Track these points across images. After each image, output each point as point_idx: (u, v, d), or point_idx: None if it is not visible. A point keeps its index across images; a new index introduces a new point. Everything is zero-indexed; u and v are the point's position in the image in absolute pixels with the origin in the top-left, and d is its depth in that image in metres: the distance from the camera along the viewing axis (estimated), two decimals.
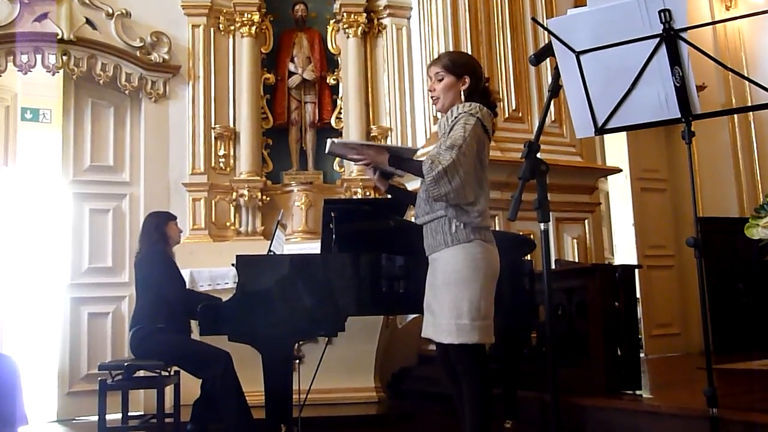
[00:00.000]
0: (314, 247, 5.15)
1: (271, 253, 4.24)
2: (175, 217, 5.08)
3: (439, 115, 3.45)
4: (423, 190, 3.22)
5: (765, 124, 8.97)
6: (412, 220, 3.44)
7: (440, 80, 3.26)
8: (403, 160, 3.30)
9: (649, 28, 2.61)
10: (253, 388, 4.26)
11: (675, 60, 2.62)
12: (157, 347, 4.50)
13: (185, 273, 5.78)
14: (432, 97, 3.33)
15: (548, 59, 3.00)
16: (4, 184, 7.24)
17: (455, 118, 3.13)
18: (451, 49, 6.58)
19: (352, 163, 3.75)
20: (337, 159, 7.18)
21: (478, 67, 3.39)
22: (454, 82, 3.24)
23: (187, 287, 5.62)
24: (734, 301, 7.73)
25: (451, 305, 3.05)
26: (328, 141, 3.40)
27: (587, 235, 6.89)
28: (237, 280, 3.96)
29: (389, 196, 3.70)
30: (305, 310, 3.91)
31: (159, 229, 4.87)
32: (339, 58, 7.41)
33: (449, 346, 3.10)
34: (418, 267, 3.86)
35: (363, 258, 3.98)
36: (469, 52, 6.63)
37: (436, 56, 3.81)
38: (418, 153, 3.32)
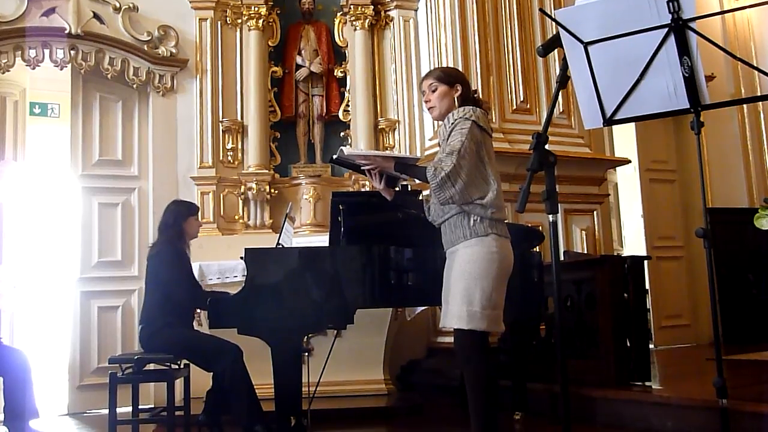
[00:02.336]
0: (323, 240, 5.15)
1: (280, 246, 4.25)
2: (196, 211, 5.00)
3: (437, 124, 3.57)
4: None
5: None
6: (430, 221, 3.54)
7: (434, 90, 3.46)
8: (408, 166, 3.49)
9: (658, 18, 2.60)
10: (263, 380, 4.27)
11: (684, 50, 2.61)
12: (167, 343, 4.50)
13: (194, 266, 5.80)
14: (428, 108, 3.51)
15: (556, 50, 2.99)
16: (14, 179, 7.27)
17: (452, 123, 3.31)
18: (458, 42, 6.59)
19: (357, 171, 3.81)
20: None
21: (467, 78, 3.63)
22: (447, 90, 3.45)
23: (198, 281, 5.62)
24: (744, 292, 7.72)
25: (463, 293, 3.17)
26: (339, 149, 3.55)
27: (596, 227, 6.88)
28: (246, 273, 3.97)
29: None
30: (314, 302, 3.92)
31: (177, 224, 4.78)
32: (346, 51, 7.40)
33: (454, 334, 3.22)
34: (426, 259, 3.87)
35: (371, 250, 3.98)
36: (477, 44, 6.64)
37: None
38: (425, 155, 3.43)
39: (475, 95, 3.54)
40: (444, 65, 6.31)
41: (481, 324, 3.14)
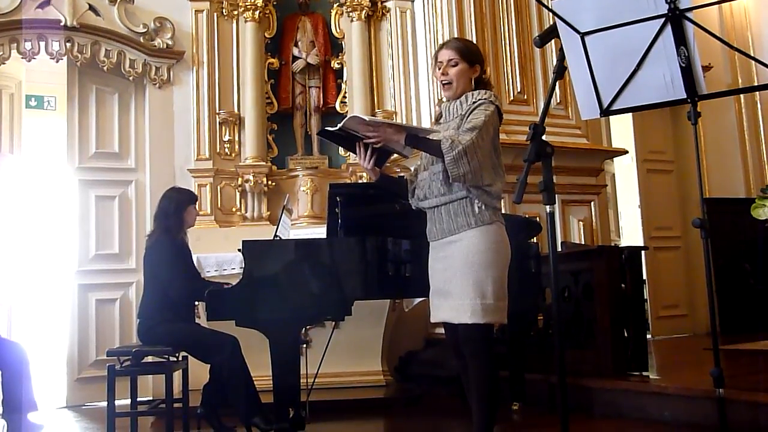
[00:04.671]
0: (320, 232, 5.15)
1: (277, 238, 4.25)
2: (196, 200, 4.94)
3: (444, 100, 3.40)
4: (438, 171, 3.16)
5: None
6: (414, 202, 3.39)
7: (454, 65, 3.22)
8: (420, 139, 3.18)
9: (655, 8, 2.59)
10: (262, 372, 4.28)
11: (680, 40, 2.60)
12: (165, 336, 4.49)
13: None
14: (443, 82, 3.26)
15: (553, 41, 2.98)
16: (10, 172, 7.25)
17: (473, 103, 3.14)
18: (455, 32, 6.56)
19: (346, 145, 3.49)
20: None
21: (483, 56, 3.42)
22: (467, 69, 3.23)
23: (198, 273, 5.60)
24: (741, 282, 7.74)
25: (474, 285, 3.03)
26: (350, 117, 3.24)
27: (593, 218, 6.89)
28: (243, 266, 3.97)
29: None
30: (312, 294, 3.92)
31: (177, 214, 4.70)
32: (343, 42, 7.38)
33: (462, 327, 3.08)
34: (424, 250, 3.86)
35: (369, 242, 3.98)
36: (474, 35, 6.62)
37: (444, 40, 3.78)
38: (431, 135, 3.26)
39: (485, 77, 3.34)
40: None
41: (494, 316, 3.04)
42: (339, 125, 3.24)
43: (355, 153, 3.34)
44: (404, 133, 3.17)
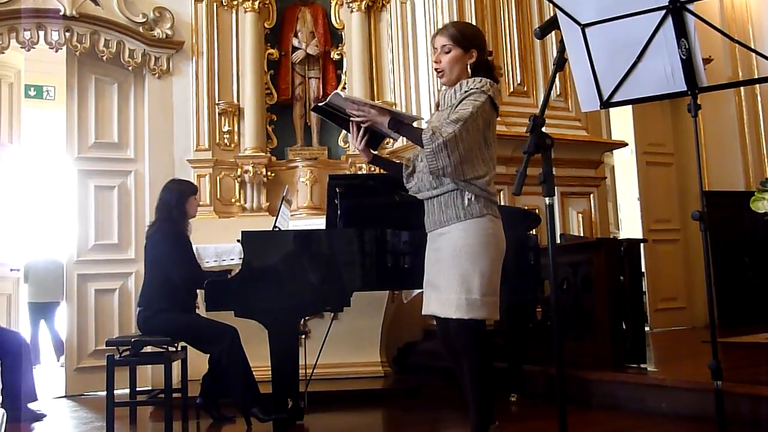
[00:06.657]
0: (319, 223, 5.15)
1: (277, 229, 4.25)
2: (196, 190, 4.95)
3: (442, 87, 3.35)
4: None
5: None
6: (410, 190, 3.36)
7: (447, 52, 3.15)
8: (403, 125, 3.17)
9: (656, 0, 2.59)
10: (261, 363, 4.29)
11: (681, 32, 2.59)
12: (164, 325, 4.50)
13: None
14: (437, 70, 3.21)
15: (553, 32, 2.97)
16: (10, 162, 7.25)
17: (465, 93, 3.07)
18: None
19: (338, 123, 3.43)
20: (342, 134, 7.13)
21: (484, 39, 3.31)
22: (462, 56, 3.15)
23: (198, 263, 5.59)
24: (739, 275, 7.75)
25: (460, 280, 3.00)
26: (334, 93, 3.23)
27: (592, 210, 6.89)
28: (242, 256, 3.97)
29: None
30: (311, 285, 3.92)
31: (179, 205, 4.70)
32: (343, 33, 7.36)
33: (451, 322, 3.05)
34: (422, 241, 3.87)
35: (368, 233, 3.98)
36: None
37: (440, 26, 3.73)
38: (422, 123, 3.24)
39: (489, 59, 3.22)
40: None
41: (481, 312, 2.99)
42: (325, 102, 3.22)
43: (349, 131, 3.32)
44: (388, 116, 3.16)
